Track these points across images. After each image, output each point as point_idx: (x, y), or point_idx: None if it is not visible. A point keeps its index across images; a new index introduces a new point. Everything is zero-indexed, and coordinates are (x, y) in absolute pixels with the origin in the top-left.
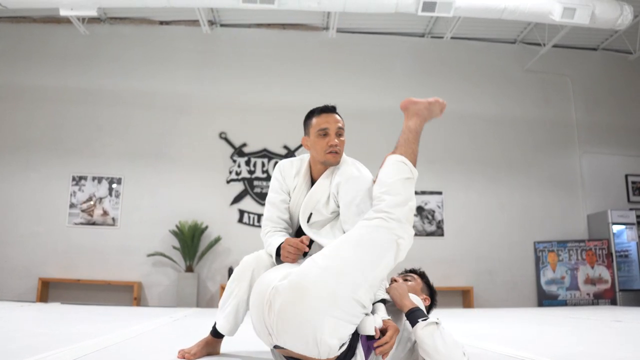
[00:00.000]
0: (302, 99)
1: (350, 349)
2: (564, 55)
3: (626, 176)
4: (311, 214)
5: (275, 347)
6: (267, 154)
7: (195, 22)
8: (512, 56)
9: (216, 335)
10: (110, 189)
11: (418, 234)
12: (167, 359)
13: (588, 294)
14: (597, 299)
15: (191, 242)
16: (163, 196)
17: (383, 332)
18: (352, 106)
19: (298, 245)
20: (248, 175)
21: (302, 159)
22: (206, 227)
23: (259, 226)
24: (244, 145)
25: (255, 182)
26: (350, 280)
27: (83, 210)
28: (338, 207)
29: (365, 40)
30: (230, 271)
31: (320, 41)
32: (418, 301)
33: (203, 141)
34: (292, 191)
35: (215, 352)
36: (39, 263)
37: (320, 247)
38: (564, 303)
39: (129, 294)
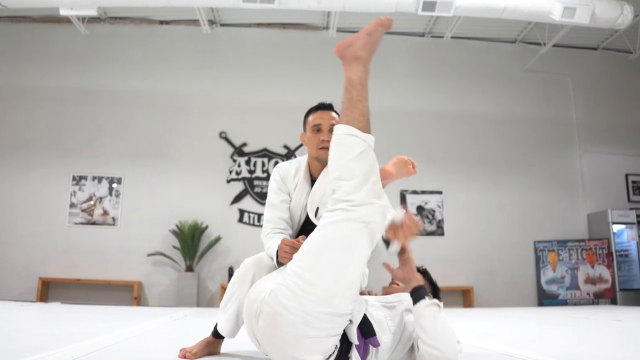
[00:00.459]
0: (303, 98)
1: (343, 355)
2: (564, 55)
3: (626, 176)
4: (317, 208)
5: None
6: (268, 154)
7: (195, 22)
8: (512, 56)
9: (217, 336)
10: (111, 189)
11: (418, 233)
12: (167, 359)
13: (588, 294)
14: (598, 299)
15: (191, 241)
16: (163, 196)
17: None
18: None
19: (294, 244)
20: (248, 175)
21: (300, 160)
22: (206, 227)
23: (259, 226)
24: (244, 144)
25: (256, 182)
26: (321, 294)
27: (83, 210)
28: None
29: None
30: (231, 271)
31: (320, 41)
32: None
33: (203, 141)
34: (292, 191)
35: (216, 352)
36: (39, 263)
37: None
38: (564, 303)
39: (129, 293)
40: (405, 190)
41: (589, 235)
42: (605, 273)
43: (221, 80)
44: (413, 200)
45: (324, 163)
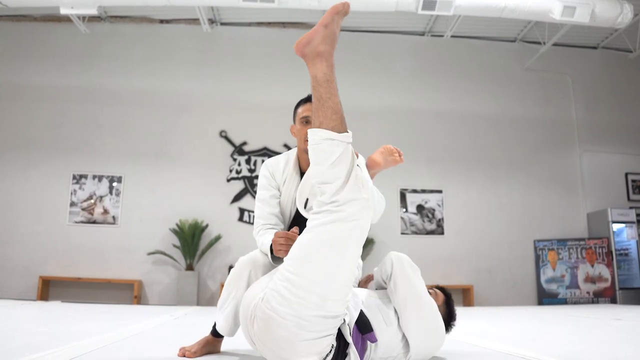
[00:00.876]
0: (303, 97)
1: (340, 353)
2: (564, 54)
3: (626, 175)
4: (307, 199)
5: None
6: (268, 153)
7: (195, 21)
8: (512, 55)
9: (216, 335)
10: (111, 188)
11: (418, 232)
12: (167, 357)
13: (588, 293)
14: (597, 298)
15: (191, 240)
16: (163, 194)
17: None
18: (352, 105)
19: (288, 235)
20: (248, 174)
21: (288, 153)
22: (206, 226)
23: None
24: (244, 143)
25: (256, 181)
26: (313, 298)
27: (83, 209)
28: None
29: (365, 38)
30: (231, 269)
31: None
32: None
33: (203, 140)
34: (282, 185)
35: (216, 351)
36: (40, 261)
37: None
38: (564, 301)
39: (129, 292)
40: (405, 189)
41: (588, 234)
42: (605, 272)
43: (221, 79)
44: (413, 199)
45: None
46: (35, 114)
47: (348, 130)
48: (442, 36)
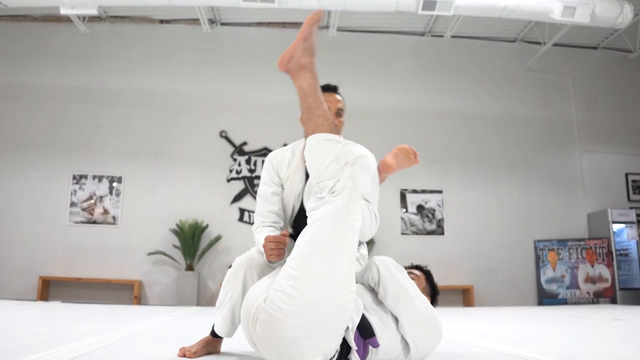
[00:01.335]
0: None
1: (343, 358)
2: (564, 54)
3: (626, 175)
4: None
5: None
6: (268, 153)
7: (195, 21)
8: (512, 55)
9: (216, 335)
10: (111, 188)
11: (418, 232)
12: (167, 358)
13: (588, 293)
14: (597, 298)
15: (191, 240)
16: (163, 195)
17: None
18: (352, 105)
19: (278, 239)
20: (248, 174)
21: (294, 145)
22: (206, 226)
23: None
24: (245, 143)
25: (256, 181)
26: (318, 294)
27: (83, 209)
28: None
29: (365, 39)
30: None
31: (320, 40)
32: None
33: (203, 140)
34: (285, 181)
35: (216, 351)
36: (40, 262)
37: None
38: (564, 302)
39: (129, 292)
40: (406, 190)
41: (588, 234)
42: (605, 272)
43: (221, 79)
44: (413, 200)
45: None
46: (35, 114)
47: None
48: (442, 36)
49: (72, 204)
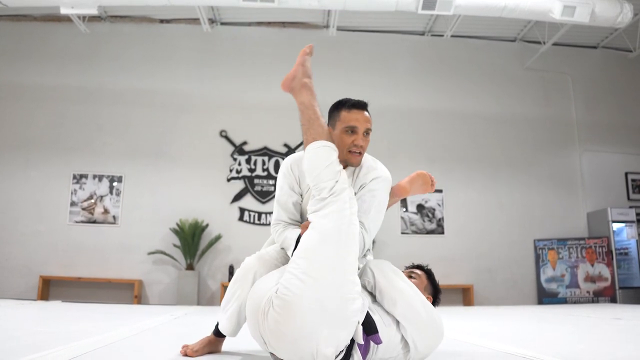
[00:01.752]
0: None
1: (346, 354)
2: (564, 54)
3: (626, 174)
4: None
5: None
6: (268, 152)
7: (195, 21)
8: (512, 54)
9: (218, 334)
10: (111, 187)
11: (418, 232)
12: (168, 357)
13: (588, 292)
14: (597, 297)
15: (192, 240)
16: (164, 194)
17: None
18: None
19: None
20: (248, 174)
21: None
22: (207, 225)
23: (260, 224)
24: (245, 143)
25: (256, 180)
26: (328, 280)
27: (84, 209)
28: None
29: (365, 38)
30: (231, 269)
31: (320, 39)
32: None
33: (203, 139)
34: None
35: (217, 351)
36: (40, 261)
37: None
38: (564, 301)
39: (129, 292)
40: None
41: (588, 233)
42: (605, 271)
43: (221, 79)
44: (413, 199)
45: (345, 164)
46: (35, 113)
47: None
48: (442, 36)
49: (73, 204)
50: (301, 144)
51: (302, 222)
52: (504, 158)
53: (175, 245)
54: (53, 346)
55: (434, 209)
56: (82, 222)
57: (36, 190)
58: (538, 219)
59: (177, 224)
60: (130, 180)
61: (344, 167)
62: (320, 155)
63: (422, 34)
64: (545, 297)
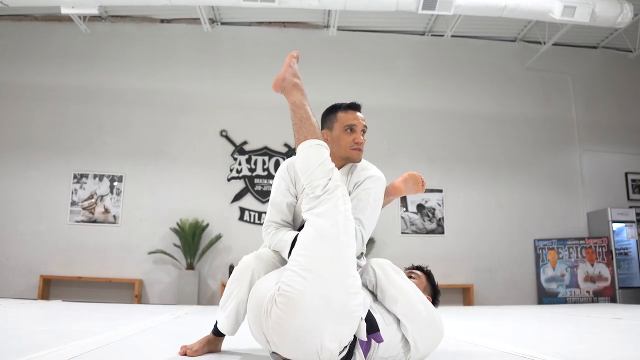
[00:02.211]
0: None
1: (349, 352)
2: (564, 54)
3: (626, 174)
4: None
5: (274, 352)
6: (268, 152)
7: (196, 20)
8: (512, 54)
9: (217, 334)
10: (112, 187)
11: (418, 231)
12: (168, 356)
13: (588, 292)
14: (597, 297)
15: (192, 239)
16: (164, 194)
17: None
18: None
19: None
20: (249, 173)
21: None
22: (207, 225)
23: (260, 224)
24: (245, 143)
25: (256, 180)
26: (329, 275)
27: (84, 208)
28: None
29: (365, 38)
30: (231, 269)
31: (320, 39)
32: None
33: (204, 139)
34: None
35: (217, 350)
36: (41, 261)
37: None
38: (563, 301)
39: (130, 291)
40: None
41: (588, 233)
42: (605, 271)
43: (222, 79)
44: (413, 199)
45: (345, 162)
46: (36, 113)
47: None
48: (442, 36)
49: (73, 203)
50: None
51: (294, 224)
52: (504, 158)
53: (175, 245)
54: (53, 345)
55: (434, 209)
56: (83, 221)
57: (36, 190)
58: (538, 219)
59: (178, 224)
60: (131, 180)
61: (344, 165)
62: (313, 154)
63: (423, 34)
64: (545, 297)
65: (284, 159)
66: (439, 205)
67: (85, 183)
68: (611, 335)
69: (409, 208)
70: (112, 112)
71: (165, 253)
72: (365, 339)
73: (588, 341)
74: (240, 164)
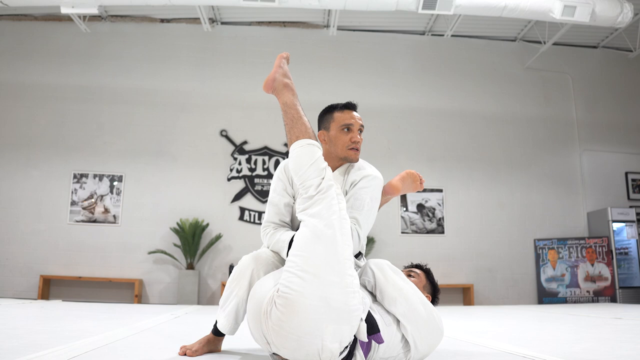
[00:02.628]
0: (303, 96)
1: (349, 352)
2: (564, 53)
3: (626, 174)
4: None
5: (274, 353)
6: (268, 152)
7: (196, 20)
8: (513, 54)
9: (217, 333)
10: (112, 187)
11: (419, 231)
12: (168, 356)
13: (588, 292)
14: (597, 297)
15: (192, 239)
16: (164, 194)
17: None
18: None
19: None
20: (249, 173)
21: None
22: (207, 225)
23: (260, 224)
24: (245, 142)
25: (256, 180)
26: (327, 276)
27: (84, 208)
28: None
29: (365, 38)
30: (231, 268)
31: (320, 39)
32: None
33: (204, 139)
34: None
35: (217, 350)
36: (41, 260)
37: None
38: (563, 300)
39: (130, 291)
40: None
41: (588, 233)
42: (605, 271)
43: (222, 79)
44: (413, 198)
45: (342, 162)
46: (36, 113)
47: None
48: (442, 35)
49: (73, 203)
50: None
51: (292, 224)
52: (504, 157)
53: (175, 245)
54: (54, 345)
55: (434, 209)
56: (83, 221)
57: (37, 190)
58: (538, 219)
59: (178, 224)
60: (131, 180)
61: (341, 165)
62: (304, 153)
63: (423, 33)
64: (545, 296)
65: (284, 159)
66: (439, 204)
67: (85, 183)
68: (611, 335)
69: (409, 208)
70: (112, 111)
71: (166, 253)
72: (366, 340)
73: (588, 341)
74: (240, 163)
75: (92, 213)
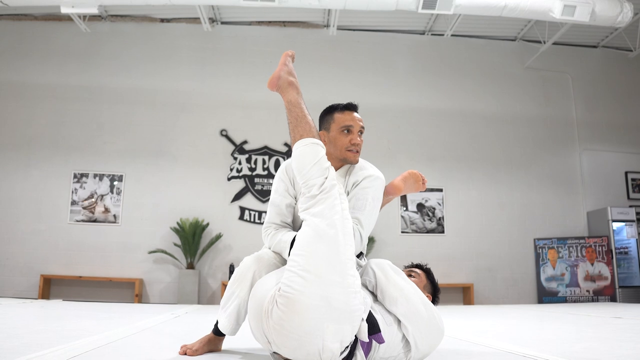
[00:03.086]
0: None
1: (350, 352)
2: (564, 53)
3: (626, 173)
4: None
5: (275, 352)
6: (268, 151)
7: (196, 20)
8: (512, 53)
9: (218, 333)
10: (112, 186)
11: (419, 231)
12: (168, 356)
13: (588, 291)
14: (597, 296)
15: (192, 239)
16: (164, 193)
17: None
18: None
19: None
20: (249, 173)
21: None
22: (207, 225)
23: (260, 223)
24: (245, 142)
25: (256, 180)
26: (331, 275)
27: (84, 208)
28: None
29: (365, 37)
30: (231, 268)
31: (320, 39)
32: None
33: (204, 138)
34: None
35: (217, 349)
36: (41, 260)
37: None
38: (563, 300)
39: (130, 290)
40: None
41: (588, 232)
42: (605, 270)
43: (222, 78)
44: (413, 198)
45: (342, 164)
46: (36, 112)
47: None
48: (442, 35)
49: (73, 203)
50: None
51: (293, 225)
52: (504, 157)
53: (175, 244)
54: (54, 345)
55: (434, 208)
56: (83, 221)
57: (37, 189)
58: (538, 218)
59: (178, 223)
60: (131, 179)
61: (341, 166)
62: (308, 152)
63: (423, 33)
64: (545, 296)
65: (284, 159)
66: (439, 204)
67: (85, 182)
68: (611, 334)
69: (409, 207)
70: (112, 111)
71: (166, 252)
72: (366, 340)
73: (588, 340)
74: (240, 163)
75: (93, 213)
